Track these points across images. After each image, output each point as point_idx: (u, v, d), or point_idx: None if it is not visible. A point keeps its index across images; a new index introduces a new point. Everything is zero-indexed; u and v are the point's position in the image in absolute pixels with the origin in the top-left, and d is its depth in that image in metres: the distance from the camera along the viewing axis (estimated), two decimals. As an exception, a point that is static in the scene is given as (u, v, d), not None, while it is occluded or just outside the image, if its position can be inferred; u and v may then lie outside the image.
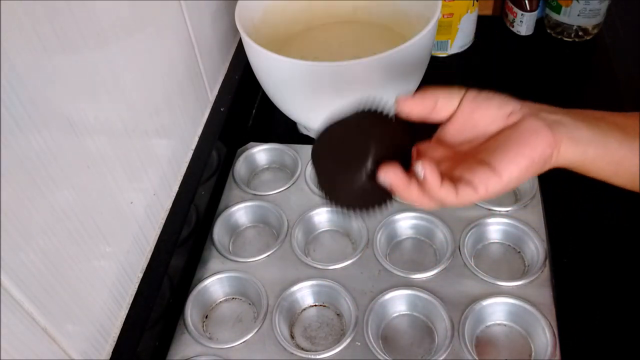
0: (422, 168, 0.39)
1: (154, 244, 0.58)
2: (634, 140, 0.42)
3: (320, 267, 0.62)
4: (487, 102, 0.43)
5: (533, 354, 0.56)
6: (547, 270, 0.60)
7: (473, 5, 0.88)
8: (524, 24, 0.93)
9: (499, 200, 0.68)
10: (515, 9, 0.92)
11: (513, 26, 0.95)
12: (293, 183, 0.71)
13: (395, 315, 0.60)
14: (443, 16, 0.87)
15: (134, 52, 0.54)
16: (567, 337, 0.55)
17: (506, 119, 0.42)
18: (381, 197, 0.43)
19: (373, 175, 0.41)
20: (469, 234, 0.64)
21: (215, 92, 0.75)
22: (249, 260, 0.64)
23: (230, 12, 0.77)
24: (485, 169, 0.40)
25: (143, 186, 0.56)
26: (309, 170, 0.72)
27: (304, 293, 0.61)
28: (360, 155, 0.41)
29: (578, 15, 0.89)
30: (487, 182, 0.40)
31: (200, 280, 0.62)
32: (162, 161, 0.60)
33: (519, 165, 0.40)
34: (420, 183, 0.40)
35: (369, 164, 0.40)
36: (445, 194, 0.40)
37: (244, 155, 0.75)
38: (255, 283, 0.61)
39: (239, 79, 0.79)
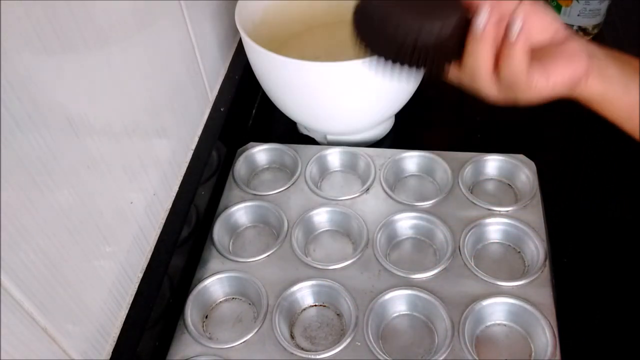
0: (521, 20, 0.40)
1: (154, 244, 0.58)
2: None
3: (320, 267, 0.62)
4: (544, 12, 0.44)
5: (533, 354, 0.56)
6: (547, 270, 0.60)
7: (473, 5, 0.88)
8: (524, 24, 0.93)
9: (499, 200, 0.68)
10: (515, 9, 0.92)
11: (513, 26, 0.95)
12: (293, 183, 0.71)
13: (395, 315, 0.60)
14: (443, 16, 0.87)
15: (134, 52, 0.54)
16: (567, 337, 0.55)
17: (554, 33, 0.44)
18: (450, 55, 0.42)
19: (458, 25, 0.40)
20: (469, 234, 0.64)
21: (215, 92, 0.75)
22: (249, 260, 0.64)
23: (230, 12, 0.77)
24: (537, 66, 0.42)
25: (143, 186, 0.56)
26: (309, 170, 0.72)
27: (304, 293, 0.61)
28: (447, 5, 0.40)
29: (578, 15, 0.89)
30: (538, 78, 0.42)
31: (200, 280, 0.62)
32: (162, 161, 0.60)
33: (563, 77, 0.42)
34: (504, 42, 0.41)
35: (457, 13, 0.40)
36: (523, 62, 0.41)
37: (244, 155, 0.75)
38: (255, 283, 0.61)
39: (239, 79, 0.79)
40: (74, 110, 0.44)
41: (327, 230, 0.68)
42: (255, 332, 0.58)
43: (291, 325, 0.60)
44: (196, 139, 0.69)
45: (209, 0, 0.72)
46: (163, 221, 0.60)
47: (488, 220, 0.65)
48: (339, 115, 0.72)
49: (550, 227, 0.64)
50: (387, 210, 0.67)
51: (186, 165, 0.66)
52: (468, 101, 0.87)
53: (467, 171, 0.70)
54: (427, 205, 0.67)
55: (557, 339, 0.54)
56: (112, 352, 0.51)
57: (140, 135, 0.55)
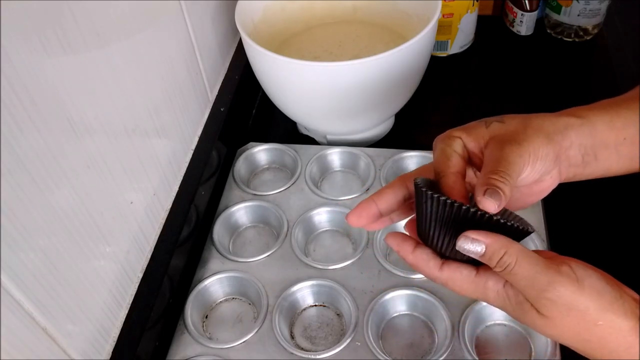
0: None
1: (154, 244, 0.58)
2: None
3: (320, 267, 0.62)
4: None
5: (533, 354, 0.56)
6: (547, 270, 0.60)
7: (473, 5, 0.88)
8: (524, 24, 0.93)
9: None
10: (515, 9, 0.92)
11: (513, 26, 0.95)
12: (293, 183, 0.71)
13: (395, 315, 0.60)
14: (443, 16, 0.87)
15: (134, 52, 0.54)
16: (567, 337, 0.55)
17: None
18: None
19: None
20: (469, 234, 0.64)
21: (215, 92, 0.75)
22: (249, 260, 0.64)
23: (230, 12, 0.77)
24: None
25: (143, 186, 0.56)
26: (309, 170, 0.72)
27: (304, 293, 0.61)
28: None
29: (578, 15, 0.89)
30: None
31: (200, 280, 0.62)
32: (162, 161, 0.60)
33: None
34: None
35: None
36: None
37: (244, 155, 0.75)
38: (255, 283, 0.61)
39: (239, 79, 0.79)
40: (74, 110, 0.44)
41: (327, 230, 0.68)
42: (255, 332, 0.58)
43: (291, 325, 0.60)
44: (196, 139, 0.69)
45: (209, 0, 0.72)
46: (163, 221, 0.60)
47: (488, 220, 0.65)
48: (339, 115, 0.72)
49: (550, 227, 0.64)
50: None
51: (186, 165, 0.66)
52: (468, 101, 0.87)
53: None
54: (427, 205, 0.67)
55: (557, 339, 0.54)
56: (112, 352, 0.51)
57: (140, 135, 0.55)
